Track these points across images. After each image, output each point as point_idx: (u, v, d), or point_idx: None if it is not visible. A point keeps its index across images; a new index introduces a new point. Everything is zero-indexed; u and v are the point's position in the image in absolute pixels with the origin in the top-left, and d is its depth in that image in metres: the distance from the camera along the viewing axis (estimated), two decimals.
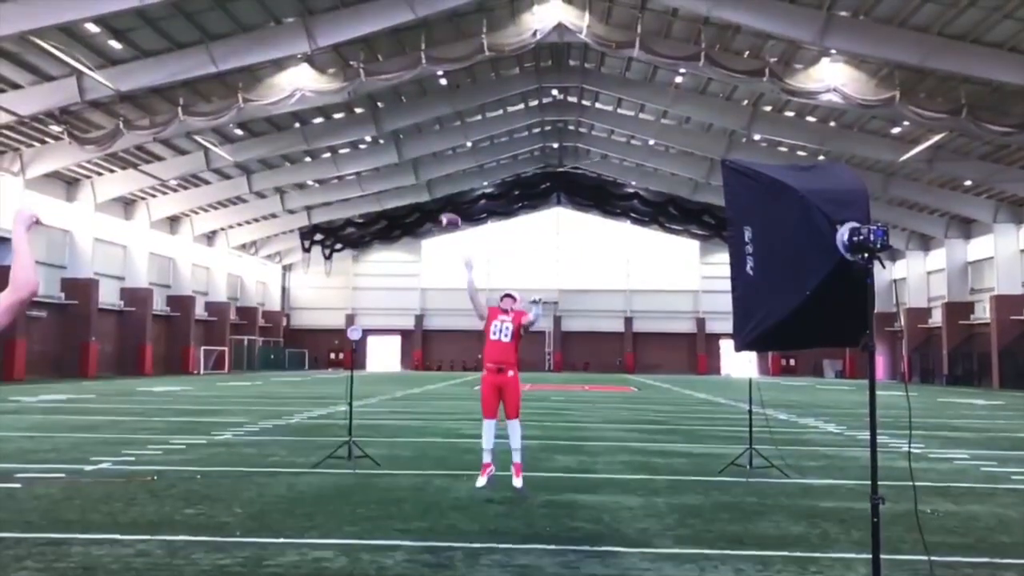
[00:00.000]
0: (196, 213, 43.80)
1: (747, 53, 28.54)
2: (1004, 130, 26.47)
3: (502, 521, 6.02)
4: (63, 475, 7.84)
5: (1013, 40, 23.64)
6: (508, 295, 8.24)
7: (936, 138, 30.83)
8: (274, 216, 48.14)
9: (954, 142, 32.07)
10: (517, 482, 7.97)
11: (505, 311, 8.12)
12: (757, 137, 36.48)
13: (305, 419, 14.60)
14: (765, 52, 27.85)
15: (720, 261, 54.76)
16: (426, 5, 25.09)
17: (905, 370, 44.73)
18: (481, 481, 7.94)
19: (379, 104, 34.81)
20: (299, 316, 61.02)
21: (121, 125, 28.18)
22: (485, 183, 51.08)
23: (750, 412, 9.09)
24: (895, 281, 48.78)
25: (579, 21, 27.83)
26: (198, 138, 33.51)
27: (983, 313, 39.85)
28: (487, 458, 8.00)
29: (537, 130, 44.55)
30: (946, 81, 26.46)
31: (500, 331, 8.04)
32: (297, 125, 34.80)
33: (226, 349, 47.68)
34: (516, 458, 8.04)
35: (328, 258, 54.26)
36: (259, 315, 54.75)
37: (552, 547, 5.25)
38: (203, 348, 45.54)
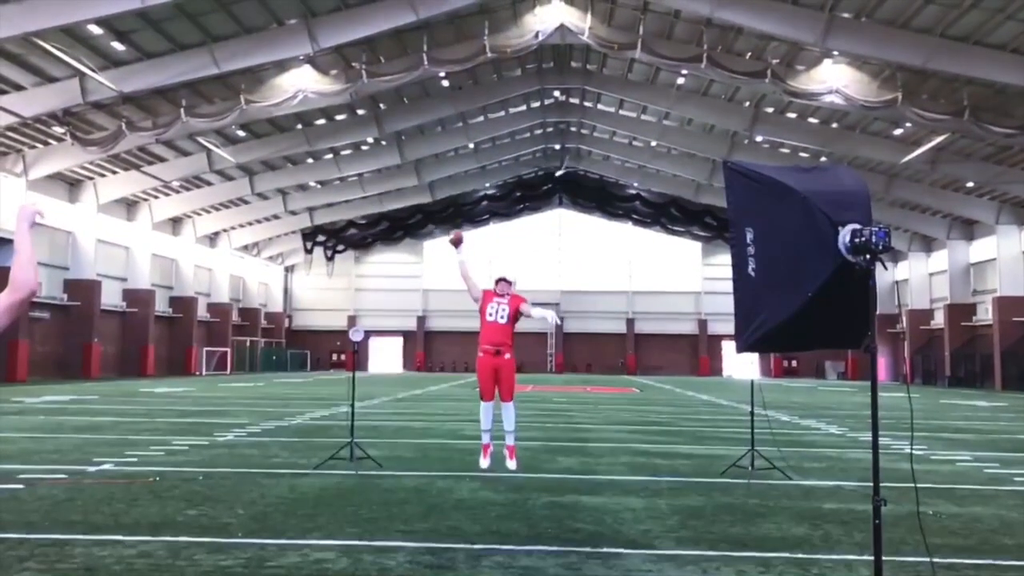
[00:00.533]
0: (198, 214, 43.87)
1: (749, 55, 28.55)
2: (1007, 131, 26.46)
3: (504, 522, 6.01)
4: (65, 476, 7.85)
5: (1015, 42, 23.63)
6: (503, 279, 8.23)
7: (938, 139, 30.82)
8: (276, 217, 48.20)
9: (956, 144, 32.04)
10: (511, 464, 8.04)
11: (501, 295, 8.14)
12: (759, 138, 36.49)
13: (307, 420, 14.61)
14: (767, 53, 27.86)
15: (722, 263, 54.77)
16: (428, 6, 25.12)
17: (907, 372, 44.68)
18: (484, 462, 8.07)
19: (381, 105, 34.84)
20: (301, 317, 61.06)
21: (123, 126, 28.24)
22: (487, 184, 51.13)
23: (752, 413, 9.08)
24: (897, 283, 48.77)
25: (581, 23, 27.85)
26: (200, 139, 33.57)
27: (985, 315, 39.80)
28: (486, 439, 8.12)
29: (539, 131, 44.58)
30: (948, 83, 26.45)
31: (497, 313, 8.07)
32: (299, 126, 34.85)
33: (228, 350, 47.73)
34: (510, 440, 8.13)
35: (330, 259, 54.35)
36: (261, 316, 54.81)
37: (554, 548, 5.24)
38: (205, 349, 45.60)
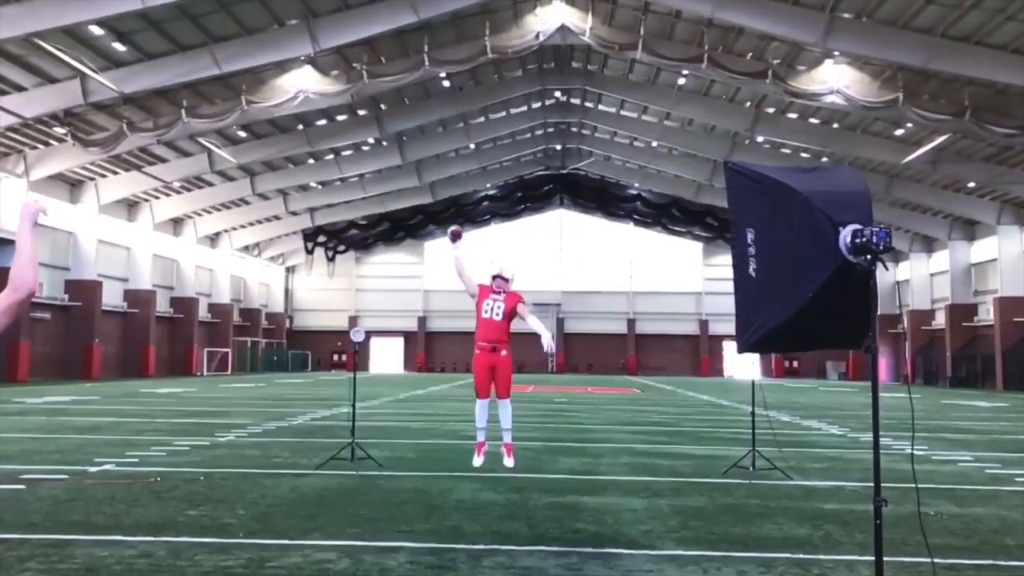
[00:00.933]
0: (199, 215, 43.90)
1: (750, 55, 28.55)
2: (1008, 132, 26.44)
3: (505, 523, 6.01)
4: (67, 476, 7.85)
5: (1016, 42, 23.61)
6: (499, 276, 8.13)
7: (940, 140, 30.80)
8: (277, 218, 48.22)
9: (958, 144, 32.03)
10: (508, 462, 7.97)
11: (497, 291, 8.06)
12: (760, 139, 36.49)
13: (308, 421, 14.61)
14: (768, 54, 27.85)
15: (723, 263, 54.77)
16: (429, 7, 25.13)
17: (908, 372, 44.65)
18: (478, 461, 8.01)
19: (382, 106, 34.85)
20: (302, 318, 61.08)
21: (125, 127, 28.26)
22: (488, 185, 51.13)
23: (753, 414, 9.07)
24: (898, 283, 48.75)
25: (582, 23, 27.85)
26: (201, 140, 33.58)
27: (987, 315, 39.80)
28: (481, 437, 8.08)
29: (540, 132, 44.58)
30: (950, 83, 26.44)
31: (492, 310, 8.01)
32: (300, 127, 34.86)
33: (229, 351, 47.75)
34: (507, 439, 8.07)
35: (331, 260, 54.38)
36: (262, 317, 54.83)
37: (555, 549, 5.24)
38: (206, 350, 45.61)
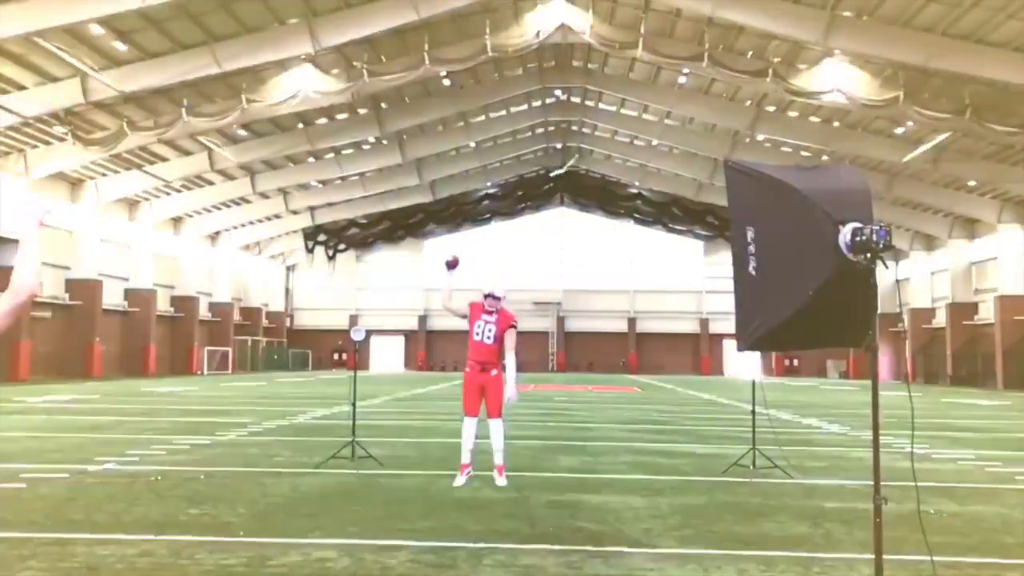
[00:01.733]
0: (200, 214, 43.88)
1: (751, 53, 28.52)
2: (1008, 130, 26.42)
3: (506, 521, 6.02)
4: (67, 475, 7.86)
5: (1018, 40, 23.58)
6: (490, 295, 7.82)
7: (940, 138, 30.77)
8: (278, 217, 48.20)
9: (958, 142, 31.99)
10: (500, 482, 7.71)
11: (489, 312, 7.81)
12: (761, 137, 36.45)
13: (309, 419, 14.63)
14: (769, 52, 27.83)
15: (724, 262, 54.69)
16: (429, 6, 25.11)
17: (909, 371, 44.64)
18: (459, 480, 7.70)
19: (382, 105, 34.84)
20: (302, 316, 61.07)
21: (125, 126, 28.25)
22: (489, 183, 51.11)
23: (753, 412, 9.08)
24: (899, 282, 48.70)
25: (582, 22, 27.84)
26: (202, 139, 33.58)
27: (987, 314, 39.77)
28: (466, 458, 7.73)
29: (541, 130, 44.57)
30: (950, 81, 26.40)
31: (483, 333, 7.77)
32: (300, 126, 34.85)
33: (230, 349, 47.74)
34: (498, 459, 7.76)
35: (331, 258, 54.37)
36: (263, 315, 54.78)
37: (555, 547, 5.25)
38: (207, 348, 45.59)
